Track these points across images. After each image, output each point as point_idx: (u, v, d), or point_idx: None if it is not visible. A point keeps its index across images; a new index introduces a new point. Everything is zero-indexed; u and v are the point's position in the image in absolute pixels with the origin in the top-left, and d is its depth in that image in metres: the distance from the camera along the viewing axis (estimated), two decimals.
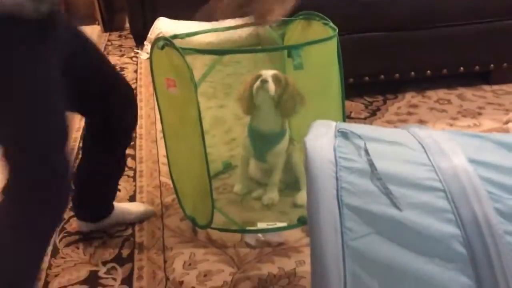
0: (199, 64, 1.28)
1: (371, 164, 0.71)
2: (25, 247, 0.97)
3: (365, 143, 0.75)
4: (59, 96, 0.97)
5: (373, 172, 0.70)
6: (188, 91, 1.15)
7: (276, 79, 1.36)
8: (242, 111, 1.48)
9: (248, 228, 1.36)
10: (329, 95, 1.35)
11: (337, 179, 0.70)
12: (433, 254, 0.64)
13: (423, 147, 0.76)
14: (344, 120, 1.35)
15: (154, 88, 1.35)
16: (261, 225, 1.32)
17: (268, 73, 1.37)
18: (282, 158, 1.49)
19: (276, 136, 1.46)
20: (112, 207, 1.41)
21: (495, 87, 2.27)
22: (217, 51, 1.20)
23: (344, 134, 0.77)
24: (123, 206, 1.47)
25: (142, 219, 1.47)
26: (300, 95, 1.38)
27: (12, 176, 0.94)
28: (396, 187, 0.69)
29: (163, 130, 1.42)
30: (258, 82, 1.36)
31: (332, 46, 1.28)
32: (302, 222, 1.35)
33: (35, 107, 0.94)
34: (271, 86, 1.34)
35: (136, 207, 1.51)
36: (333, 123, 0.81)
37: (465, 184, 0.68)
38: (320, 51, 1.29)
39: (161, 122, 1.41)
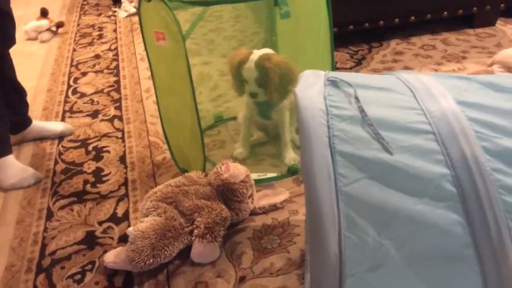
0: (181, 19, 1.26)
1: (362, 110, 0.72)
2: None
3: (355, 90, 0.75)
4: None
5: (364, 119, 0.71)
6: (176, 44, 1.14)
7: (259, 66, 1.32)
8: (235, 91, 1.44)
9: None
10: (319, 45, 1.34)
11: (328, 127, 0.71)
12: (423, 194, 0.66)
13: (412, 91, 0.77)
14: (333, 70, 1.35)
15: (144, 43, 1.33)
16: (252, 176, 1.34)
17: (250, 70, 1.33)
18: (287, 114, 1.44)
19: None
20: (29, 122, 1.69)
21: (479, 30, 2.28)
22: (204, 2, 1.17)
23: (334, 83, 0.77)
24: (42, 124, 1.76)
25: (61, 136, 1.74)
26: (292, 72, 1.31)
27: None
28: (387, 132, 0.70)
29: (154, 85, 1.41)
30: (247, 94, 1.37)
31: None
32: (292, 172, 1.37)
33: None
34: (259, 93, 1.34)
35: (54, 125, 1.78)
36: (322, 72, 0.81)
37: (453, 126, 0.69)
38: None
39: (152, 77, 1.39)
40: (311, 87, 0.77)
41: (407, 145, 0.69)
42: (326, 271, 0.66)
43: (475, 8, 2.22)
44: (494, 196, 0.63)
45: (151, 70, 1.38)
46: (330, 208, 0.67)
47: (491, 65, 1.68)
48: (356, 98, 0.74)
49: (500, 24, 2.32)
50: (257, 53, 1.33)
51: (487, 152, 0.66)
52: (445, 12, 2.19)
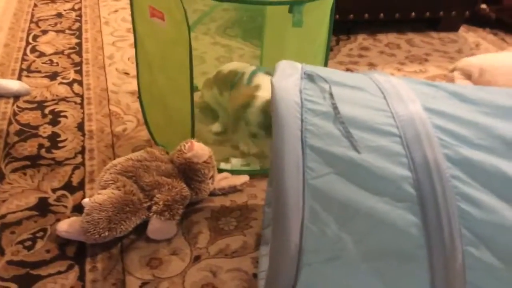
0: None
1: (335, 107, 0.74)
2: None
3: (330, 87, 0.77)
4: None
5: (336, 116, 0.73)
6: (179, 31, 1.11)
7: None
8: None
9: (220, 167, 1.35)
10: (315, 50, 1.35)
11: (302, 120, 0.72)
12: (385, 194, 0.69)
13: (382, 93, 0.80)
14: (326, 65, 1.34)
15: (132, 11, 1.29)
16: (235, 162, 1.35)
17: (255, 114, 1.30)
18: None
19: None
20: None
21: (442, 34, 2.35)
22: None
23: (310, 77, 0.79)
24: None
25: (16, 95, 1.67)
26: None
27: None
28: (356, 130, 0.72)
29: (136, 55, 1.37)
30: None
31: (328, 2, 1.25)
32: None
33: None
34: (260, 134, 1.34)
35: (10, 83, 1.69)
36: (299, 65, 0.83)
37: (419, 131, 0.72)
38: (316, 7, 1.23)
39: (135, 46, 1.36)
40: (288, 79, 0.78)
41: (374, 145, 0.72)
42: (284, 258, 0.68)
43: (441, 12, 2.29)
44: (451, 202, 0.67)
45: (135, 39, 1.34)
46: (295, 198, 0.69)
47: (452, 71, 1.74)
48: (331, 95, 0.76)
49: (463, 30, 2.40)
50: (262, 97, 1.29)
51: (448, 159, 0.70)
52: (413, 13, 2.25)
